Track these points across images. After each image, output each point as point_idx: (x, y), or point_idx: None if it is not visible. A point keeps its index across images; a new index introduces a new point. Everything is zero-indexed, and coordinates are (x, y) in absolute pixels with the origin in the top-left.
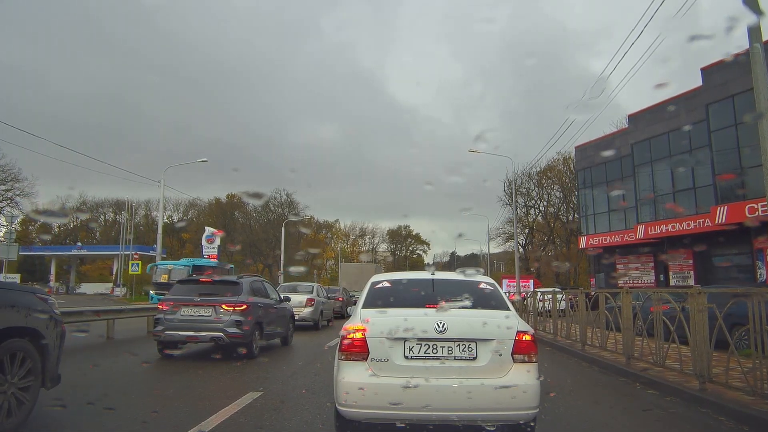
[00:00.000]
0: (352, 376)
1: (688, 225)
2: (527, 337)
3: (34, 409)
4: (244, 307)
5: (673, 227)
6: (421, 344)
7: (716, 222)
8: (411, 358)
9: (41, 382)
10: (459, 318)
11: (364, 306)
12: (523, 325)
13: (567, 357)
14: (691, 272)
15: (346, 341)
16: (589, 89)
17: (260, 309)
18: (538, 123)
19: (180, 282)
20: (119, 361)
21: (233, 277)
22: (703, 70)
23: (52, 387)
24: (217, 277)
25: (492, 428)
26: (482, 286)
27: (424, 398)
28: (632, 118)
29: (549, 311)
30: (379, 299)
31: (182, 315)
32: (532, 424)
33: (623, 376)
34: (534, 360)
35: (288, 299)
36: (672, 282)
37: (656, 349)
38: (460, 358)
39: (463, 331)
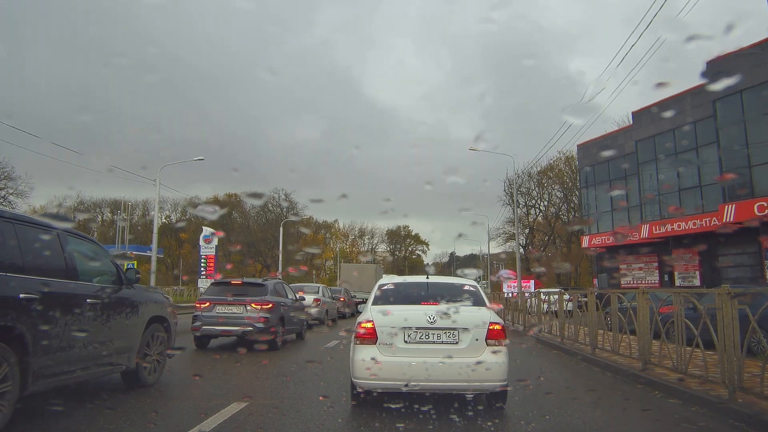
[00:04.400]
0: (364, 356)
1: (694, 224)
2: (497, 327)
3: (163, 371)
4: (270, 305)
5: (679, 226)
6: (417, 332)
7: (724, 220)
8: (409, 343)
9: (166, 354)
10: (445, 311)
11: (374, 303)
12: (495, 318)
13: (576, 361)
14: (697, 272)
15: (360, 330)
16: (587, 92)
17: (282, 307)
18: (536, 123)
19: (214, 284)
20: None
21: (259, 280)
22: (708, 63)
23: (171, 357)
24: (246, 280)
25: (471, 396)
26: (466, 287)
27: (419, 373)
28: (636, 115)
29: (555, 312)
30: (385, 298)
31: (217, 312)
32: (505, 388)
33: (640, 383)
34: (503, 344)
35: (303, 299)
36: (677, 282)
37: (677, 354)
38: (446, 342)
39: (448, 322)
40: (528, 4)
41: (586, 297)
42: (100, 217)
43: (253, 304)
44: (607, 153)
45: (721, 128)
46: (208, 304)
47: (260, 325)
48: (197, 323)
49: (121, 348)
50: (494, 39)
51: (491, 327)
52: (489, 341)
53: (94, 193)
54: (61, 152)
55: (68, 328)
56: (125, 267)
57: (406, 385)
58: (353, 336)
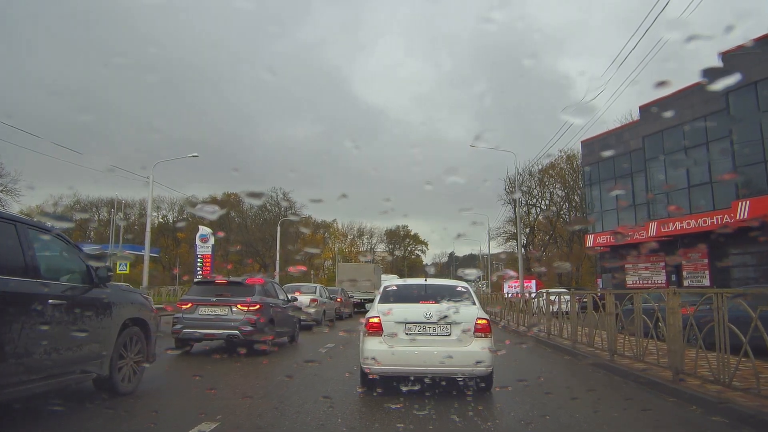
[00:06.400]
0: (372, 346)
1: (705, 222)
2: (483, 322)
3: (141, 378)
4: (258, 306)
5: (688, 224)
6: (415, 326)
7: (738, 218)
8: (409, 334)
9: (146, 359)
10: (440, 308)
11: (380, 302)
12: (482, 314)
13: (592, 369)
14: (706, 272)
15: (368, 324)
16: (586, 93)
17: (271, 308)
18: (534, 124)
19: (197, 283)
20: None
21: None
22: (722, 55)
23: (152, 363)
24: (232, 279)
25: (460, 379)
26: (458, 288)
27: (417, 360)
28: (643, 109)
29: (566, 314)
30: (390, 297)
31: (200, 314)
32: (490, 373)
33: (672, 396)
34: (488, 336)
35: (295, 299)
36: (685, 283)
37: (719, 364)
38: (440, 334)
39: (442, 317)
40: (525, 5)
41: (603, 298)
42: (96, 216)
43: (239, 305)
44: (611, 150)
45: (734, 122)
46: (189, 305)
47: (247, 327)
48: (178, 326)
49: (91, 354)
50: (493, 39)
51: (478, 321)
52: (476, 334)
53: (91, 193)
54: (59, 151)
55: (26, 332)
56: (116, 264)
57: (407, 384)
58: (362, 329)
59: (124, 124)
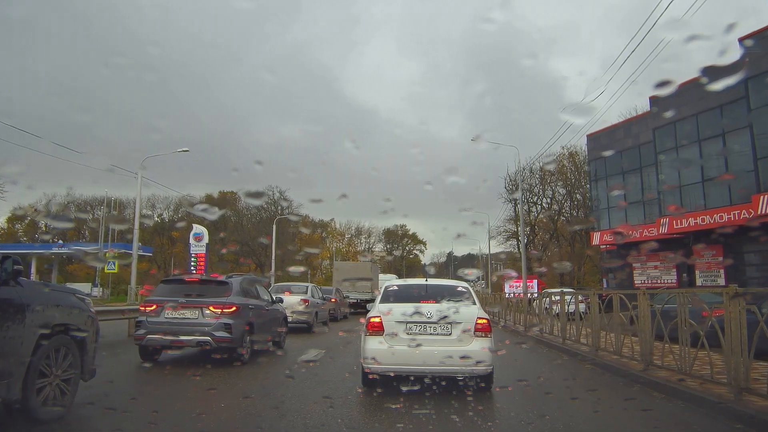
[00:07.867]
0: (373, 345)
1: (721, 218)
2: (483, 321)
3: (74, 400)
4: (234, 308)
5: (703, 220)
6: (416, 325)
7: (759, 212)
8: (410, 333)
9: (80, 375)
10: (440, 308)
11: (381, 301)
12: (482, 313)
13: (624, 382)
14: (721, 271)
15: (369, 324)
16: (586, 92)
17: (251, 311)
18: (533, 124)
19: (164, 281)
20: (118, 361)
21: (221, 277)
22: (740, 40)
23: (89, 379)
24: (203, 277)
25: (461, 378)
26: (459, 289)
27: (418, 359)
28: (654, 100)
29: (584, 314)
30: (391, 297)
31: (165, 317)
32: (490, 373)
33: (738, 421)
34: (488, 336)
35: (281, 300)
36: (699, 282)
37: None
38: (441, 334)
39: (442, 317)
40: (523, 5)
41: (635, 299)
42: (91, 216)
43: (211, 308)
44: (620, 144)
45: (754, 110)
46: (154, 307)
47: (220, 333)
48: (141, 331)
49: None
50: (492, 39)
51: (478, 321)
52: (476, 333)
53: (87, 192)
54: (58, 151)
55: None
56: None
57: (407, 384)
58: (363, 329)
59: (123, 123)
